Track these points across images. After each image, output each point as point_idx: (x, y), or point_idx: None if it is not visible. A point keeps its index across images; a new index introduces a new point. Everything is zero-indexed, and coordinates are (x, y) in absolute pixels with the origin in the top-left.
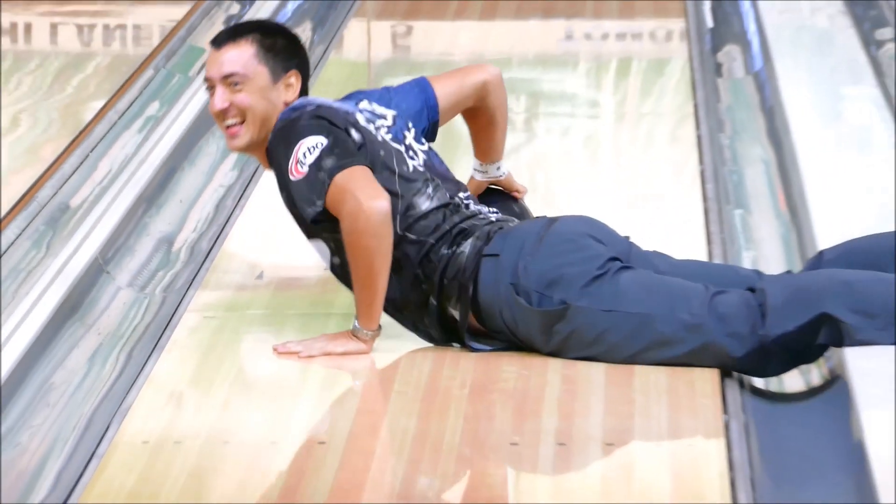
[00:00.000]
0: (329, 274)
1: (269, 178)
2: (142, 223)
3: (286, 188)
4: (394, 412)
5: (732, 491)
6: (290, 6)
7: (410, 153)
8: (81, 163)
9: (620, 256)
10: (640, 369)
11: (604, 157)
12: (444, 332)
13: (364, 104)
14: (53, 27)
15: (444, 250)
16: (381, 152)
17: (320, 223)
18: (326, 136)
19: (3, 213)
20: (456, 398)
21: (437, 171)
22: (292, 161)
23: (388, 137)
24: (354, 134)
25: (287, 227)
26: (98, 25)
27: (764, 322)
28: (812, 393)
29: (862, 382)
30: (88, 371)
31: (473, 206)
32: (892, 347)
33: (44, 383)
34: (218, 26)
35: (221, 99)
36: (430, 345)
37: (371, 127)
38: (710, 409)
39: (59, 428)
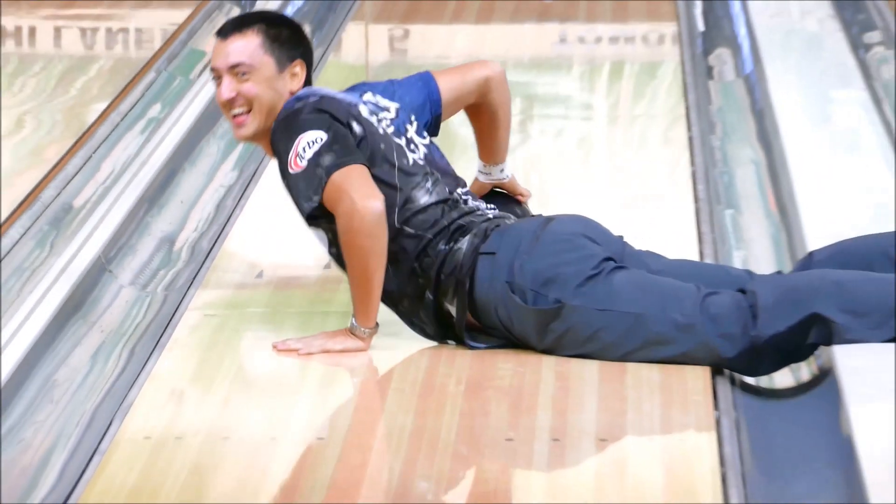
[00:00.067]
0: (328, 272)
1: (268, 179)
2: (144, 223)
3: (286, 177)
4: (391, 409)
5: (724, 486)
6: (290, 9)
7: (412, 146)
8: (84, 164)
9: (614, 256)
10: (632, 367)
11: (597, 158)
12: (438, 328)
13: (368, 96)
14: (57, 30)
15: (441, 246)
16: (382, 145)
17: (317, 218)
18: (327, 132)
19: (8, 213)
20: (452, 395)
21: (437, 165)
22: (292, 154)
23: (389, 130)
24: (356, 127)
25: (286, 226)
26: (101, 29)
27: (755, 323)
28: (802, 389)
29: (851, 379)
30: (91, 368)
31: (472, 203)
32: (881, 345)
33: (47, 380)
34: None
35: (228, 89)
36: (427, 342)
37: (374, 119)
38: (702, 406)
39: (63, 424)
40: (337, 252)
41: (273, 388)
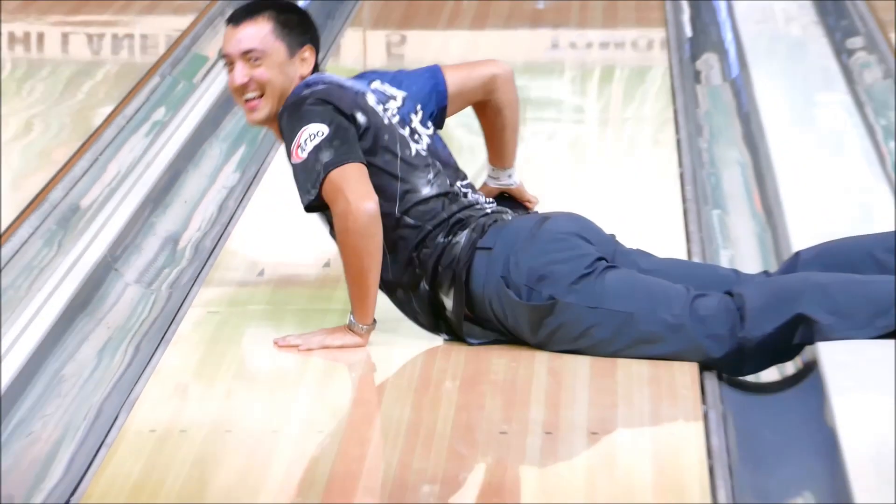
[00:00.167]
0: (327, 271)
1: (269, 180)
2: (148, 223)
3: (291, 164)
4: (388, 403)
5: (711, 477)
6: None
7: (415, 136)
8: (91, 165)
9: (607, 256)
10: (623, 362)
11: (588, 159)
12: (431, 318)
13: (376, 84)
14: (65, 36)
15: (440, 238)
16: (386, 136)
17: (316, 209)
18: (329, 125)
19: (17, 213)
20: (448, 389)
21: (439, 156)
22: (294, 144)
23: (394, 120)
24: (360, 117)
25: (287, 226)
26: (107, 35)
27: (743, 325)
28: (786, 384)
29: (834, 374)
30: (98, 363)
31: (471, 196)
32: (864, 341)
33: (56, 375)
34: (221, 36)
35: (241, 74)
36: (423, 339)
37: (379, 108)
38: (690, 400)
39: (71, 417)
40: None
41: (274, 382)
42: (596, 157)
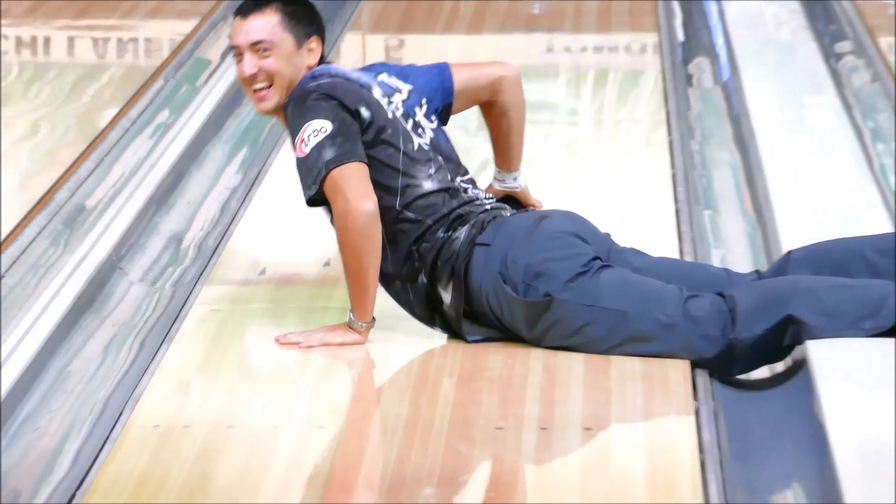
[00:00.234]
0: (327, 270)
1: (271, 181)
2: (153, 223)
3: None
4: (387, 399)
5: (702, 471)
6: None
7: (419, 130)
8: (97, 166)
9: (602, 255)
10: (616, 360)
11: (582, 161)
12: (427, 311)
13: (383, 76)
14: (71, 40)
15: (440, 233)
16: (389, 130)
17: (318, 204)
18: (332, 121)
19: (24, 213)
20: (445, 385)
21: (441, 151)
22: (298, 138)
23: (398, 113)
24: (364, 112)
25: (288, 226)
26: (112, 39)
27: (734, 326)
28: (776, 381)
29: (822, 371)
30: (103, 360)
31: (472, 192)
32: (851, 339)
33: (62, 371)
34: (223, 40)
35: (250, 65)
36: (422, 336)
37: (384, 101)
38: (682, 396)
39: (76, 412)
40: None
41: (275, 379)
42: (590, 159)
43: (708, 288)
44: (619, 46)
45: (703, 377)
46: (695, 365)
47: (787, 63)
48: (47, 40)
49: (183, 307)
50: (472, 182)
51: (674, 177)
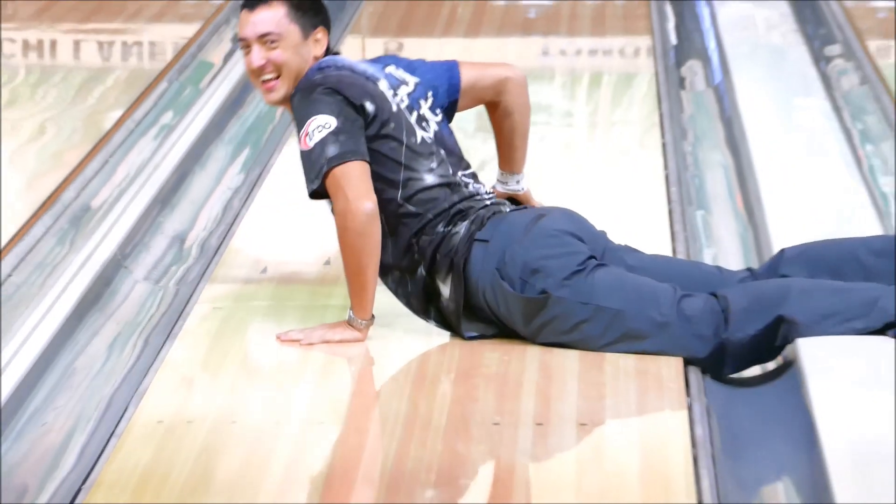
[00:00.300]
0: (328, 269)
1: (272, 181)
2: (157, 222)
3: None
4: (386, 395)
5: (695, 465)
6: None
7: (423, 123)
8: (102, 167)
9: (597, 253)
10: (611, 357)
11: (577, 162)
12: (424, 303)
13: (391, 68)
14: (76, 44)
15: (440, 227)
16: (392, 124)
17: (320, 197)
18: (336, 117)
19: (32, 212)
20: (443, 382)
21: (444, 144)
22: (303, 132)
23: (403, 105)
24: (368, 106)
25: (289, 226)
26: (117, 42)
27: (727, 326)
28: (767, 378)
29: (812, 368)
30: (108, 357)
31: (472, 186)
32: (840, 337)
33: (68, 368)
34: (226, 43)
35: (259, 57)
36: (420, 333)
37: (390, 93)
38: (675, 392)
39: (82, 408)
40: None
41: (276, 375)
42: (585, 160)
43: (701, 285)
44: (614, 50)
45: (695, 374)
46: (687, 362)
47: (778, 66)
48: (53, 44)
49: (186, 305)
50: (473, 176)
51: (667, 177)
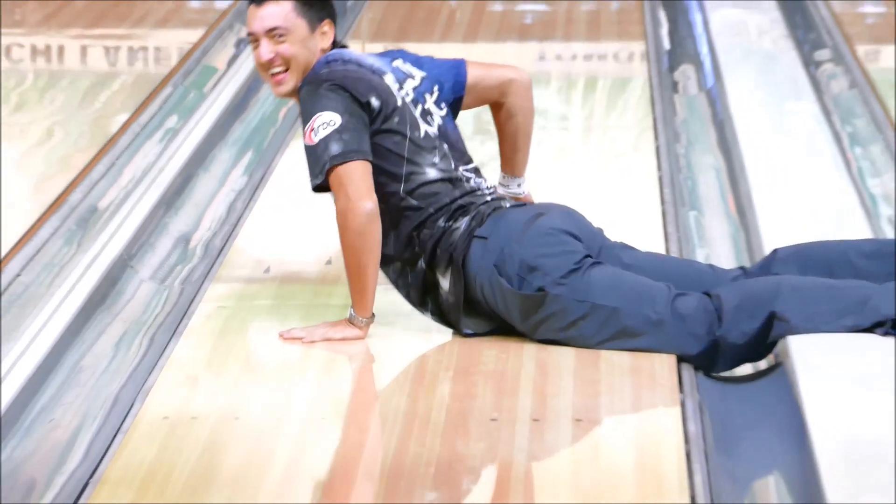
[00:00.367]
0: (329, 268)
1: (275, 183)
2: (162, 223)
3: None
4: (386, 392)
5: (688, 460)
6: None
7: (427, 118)
8: (108, 170)
9: (594, 251)
10: (606, 354)
11: (573, 164)
12: (422, 295)
13: (398, 62)
14: (83, 49)
15: (441, 222)
16: (397, 118)
17: (323, 191)
18: (341, 115)
19: (40, 214)
20: (442, 379)
21: (448, 138)
22: (308, 127)
23: (408, 99)
24: (374, 101)
25: (291, 226)
26: (123, 47)
27: (720, 324)
28: (758, 375)
29: (803, 365)
30: (115, 355)
31: (474, 181)
32: (831, 335)
33: (75, 365)
34: (229, 48)
35: (267, 51)
36: (420, 331)
37: (395, 87)
38: (668, 389)
39: (89, 405)
40: None
41: (279, 372)
42: (580, 163)
43: (694, 283)
44: (608, 55)
45: (688, 371)
46: (680, 359)
47: (769, 70)
48: (61, 49)
49: (191, 304)
50: (475, 171)
51: (660, 180)
